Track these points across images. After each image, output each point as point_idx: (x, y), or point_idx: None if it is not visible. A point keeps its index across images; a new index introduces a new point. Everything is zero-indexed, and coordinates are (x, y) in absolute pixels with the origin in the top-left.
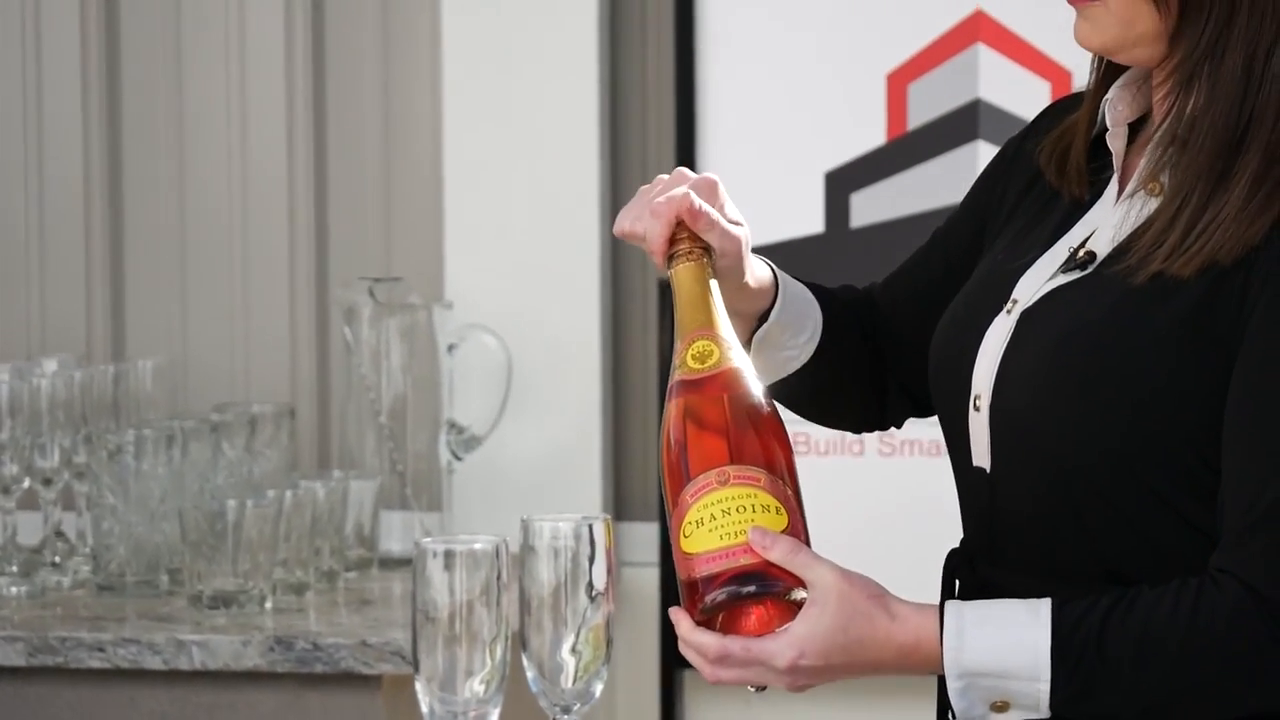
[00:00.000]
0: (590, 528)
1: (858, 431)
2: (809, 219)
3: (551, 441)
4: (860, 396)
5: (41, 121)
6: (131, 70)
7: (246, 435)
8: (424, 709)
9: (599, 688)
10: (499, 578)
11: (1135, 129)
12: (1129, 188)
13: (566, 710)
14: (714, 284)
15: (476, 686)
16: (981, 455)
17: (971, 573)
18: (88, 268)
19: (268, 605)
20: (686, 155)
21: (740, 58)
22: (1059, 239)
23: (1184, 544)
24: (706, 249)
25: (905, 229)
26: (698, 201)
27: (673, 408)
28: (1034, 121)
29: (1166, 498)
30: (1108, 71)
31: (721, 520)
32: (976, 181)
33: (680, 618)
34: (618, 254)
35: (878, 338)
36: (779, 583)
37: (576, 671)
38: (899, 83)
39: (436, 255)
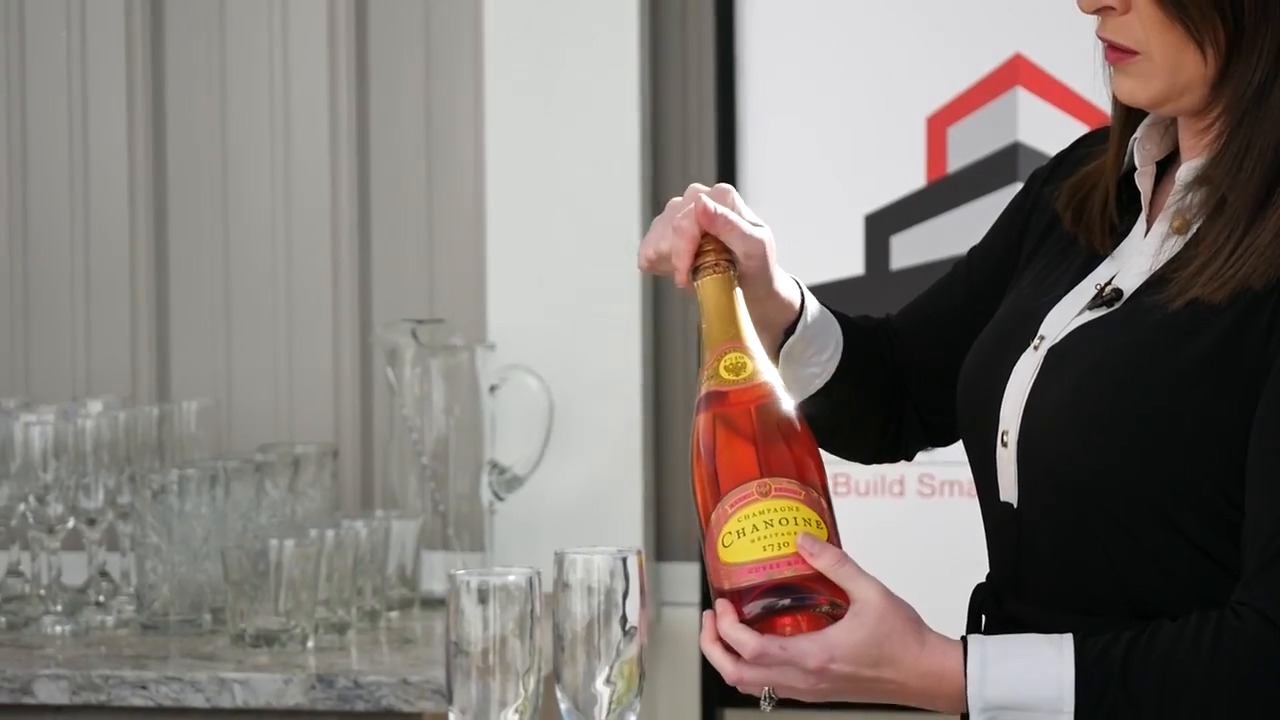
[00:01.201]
0: (624, 561)
1: (869, 462)
2: (849, 261)
3: (592, 482)
4: (876, 423)
5: (87, 164)
6: (176, 113)
7: (290, 475)
8: None
9: (633, 719)
10: (532, 610)
11: (1161, 166)
12: (1156, 225)
13: None
14: (740, 296)
15: (509, 718)
16: (1009, 490)
17: (997, 607)
18: (133, 310)
19: (310, 644)
20: None
21: (781, 102)
22: (1085, 275)
23: (1209, 579)
24: (732, 261)
25: (945, 270)
26: (714, 205)
27: (705, 418)
28: (1061, 154)
29: (1190, 533)
30: (1129, 113)
31: (765, 531)
32: (1002, 213)
33: (725, 611)
34: (658, 295)
35: (895, 363)
36: (815, 596)
37: (610, 704)
38: (939, 126)
39: (479, 297)
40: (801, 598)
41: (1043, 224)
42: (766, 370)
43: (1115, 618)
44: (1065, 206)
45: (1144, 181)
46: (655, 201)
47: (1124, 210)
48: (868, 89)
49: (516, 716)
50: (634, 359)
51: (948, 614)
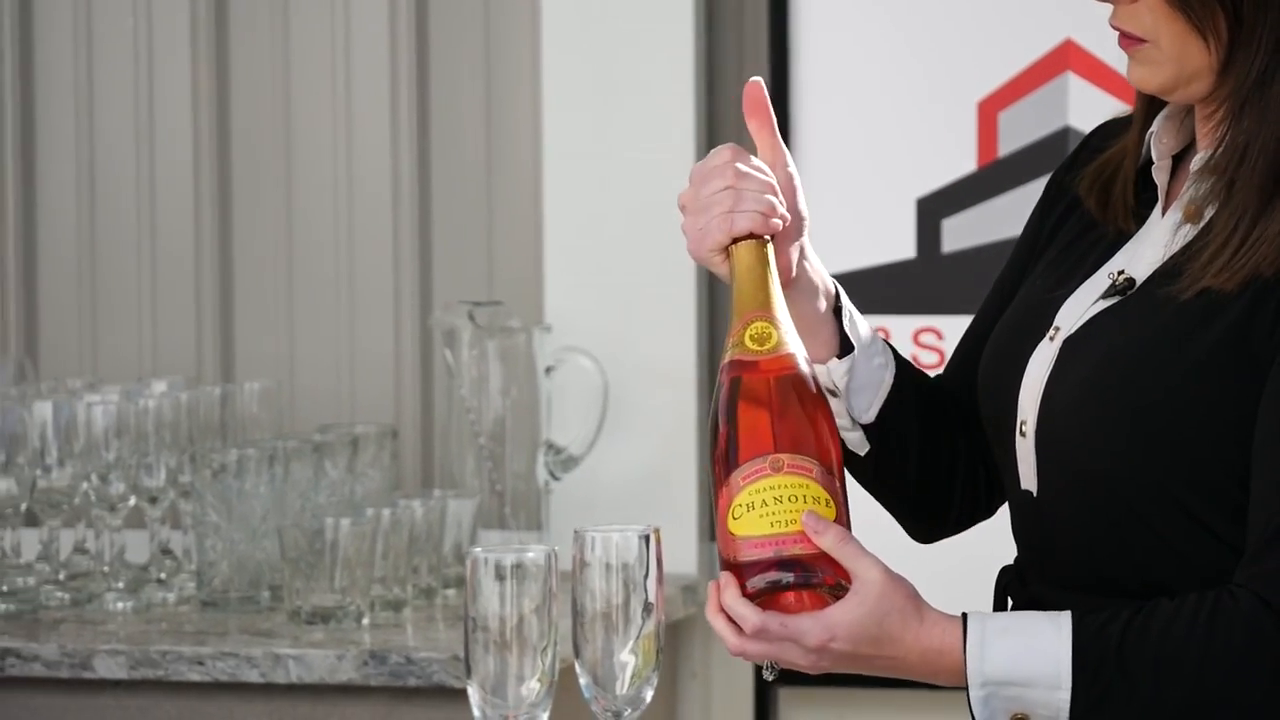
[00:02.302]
0: (642, 539)
1: (925, 537)
2: (901, 245)
3: (647, 461)
4: (921, 483)
5: (154, 151)
6: (240, 100)
7: (348, 455)
8: (475, 713)
9: (649, 693)
10: (549, 586)
11: (1177, 158)
12: (1168, 215)
13: (618, 715)
14: (773, 266)
15: (526, 691)
16: (1028, 478)
17: (1022, 588)
18: (198, 294)
19: (365, 621)
20: None
21: (834, 87)
22: (1100, 266)
23: (1220, 562)
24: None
25: (995, 254)
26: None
27: (726, 387)
28: (1075, 152)
29: (1202, 518)
30: (1152, 102)
31: (773, 507)
32: (1027, 222)
33: (728, 583)
34: (713, 278)
35: (948, 421)
36: (819, 574)
37: (628, 678)
38: (990, 110)
39: (537, 280)
40: (806, 575)
41: (1059, 211)
42: (792, 342)
43: (1135, 598)
44: (1089, 191)
45: (1160, 175)
46: None
47: (1141, 200)
48: (919, 74)
49: (532, 691)
50: (689, 341)
51: (975, 596)
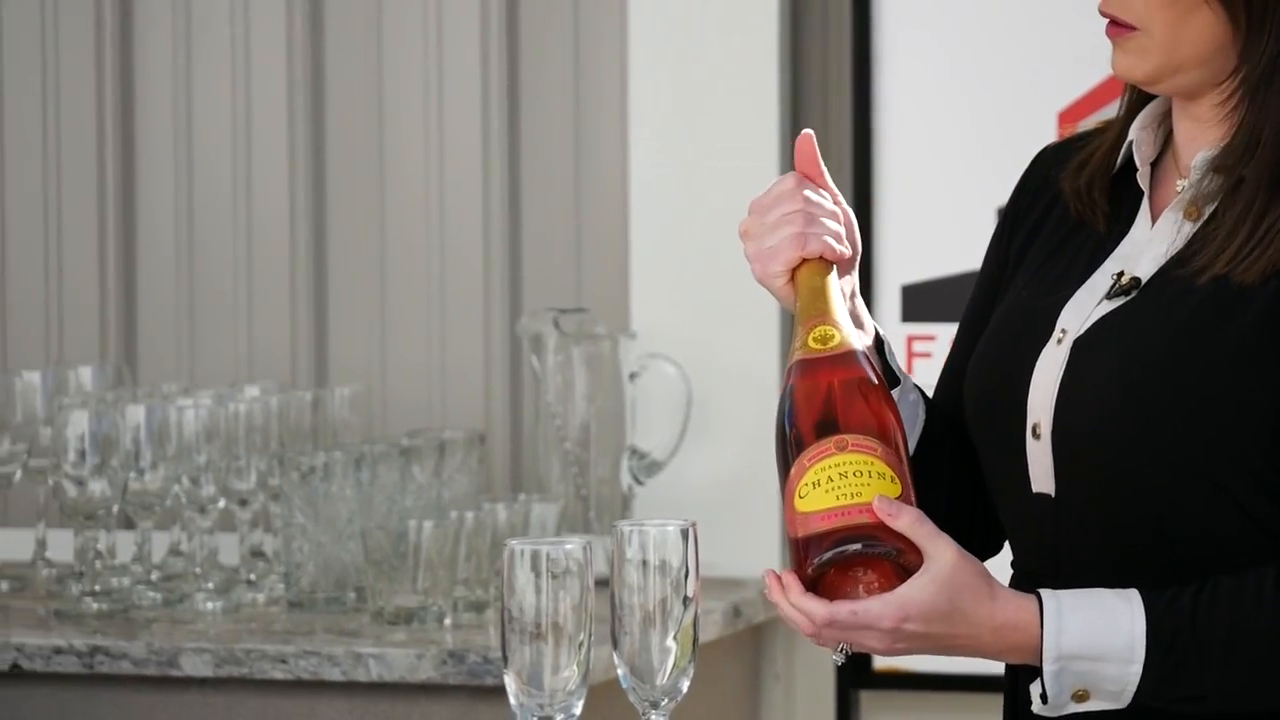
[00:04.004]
0: (680, 532)
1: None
2: (982, 254)
3: (730, 466)
4: (950, 515)
5: (250, 160)
6: (335, 110)
7: (435, 460)
8: (512, 702)
9: (686, 684)
10: (585, 578)
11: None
12: (1166, 214)
13: (655, 706)
14: (834, 282)
15: (561, 681)
16: (1043, 481)
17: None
18: (292, 300)
19: (447, 622)
20: (864, 191)
21: (916, 99)
22: (1094, 269)
23: (1260, 549)
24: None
25: None
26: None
27: (791, 385)
28: (1024, 175)
29: (1243, 504)
30: (1136, 104)
31: (839, 482)
32: (986, 254)
33: (790, 582)
34: None
35: (968, 452)
36: (884, 543)
37: (668, 670)
38: (1070, 121)
39: (623, 287)
40: (872, 544)
41: (1023, 233)
42: (853, 340)
43: (1163, 589)
44: (1074, 193)
45: (1144, 181)
46: None
47: (1113, 203)
48: (1001, 85)
49: (568, 681)
50: (771, 347)
51: None
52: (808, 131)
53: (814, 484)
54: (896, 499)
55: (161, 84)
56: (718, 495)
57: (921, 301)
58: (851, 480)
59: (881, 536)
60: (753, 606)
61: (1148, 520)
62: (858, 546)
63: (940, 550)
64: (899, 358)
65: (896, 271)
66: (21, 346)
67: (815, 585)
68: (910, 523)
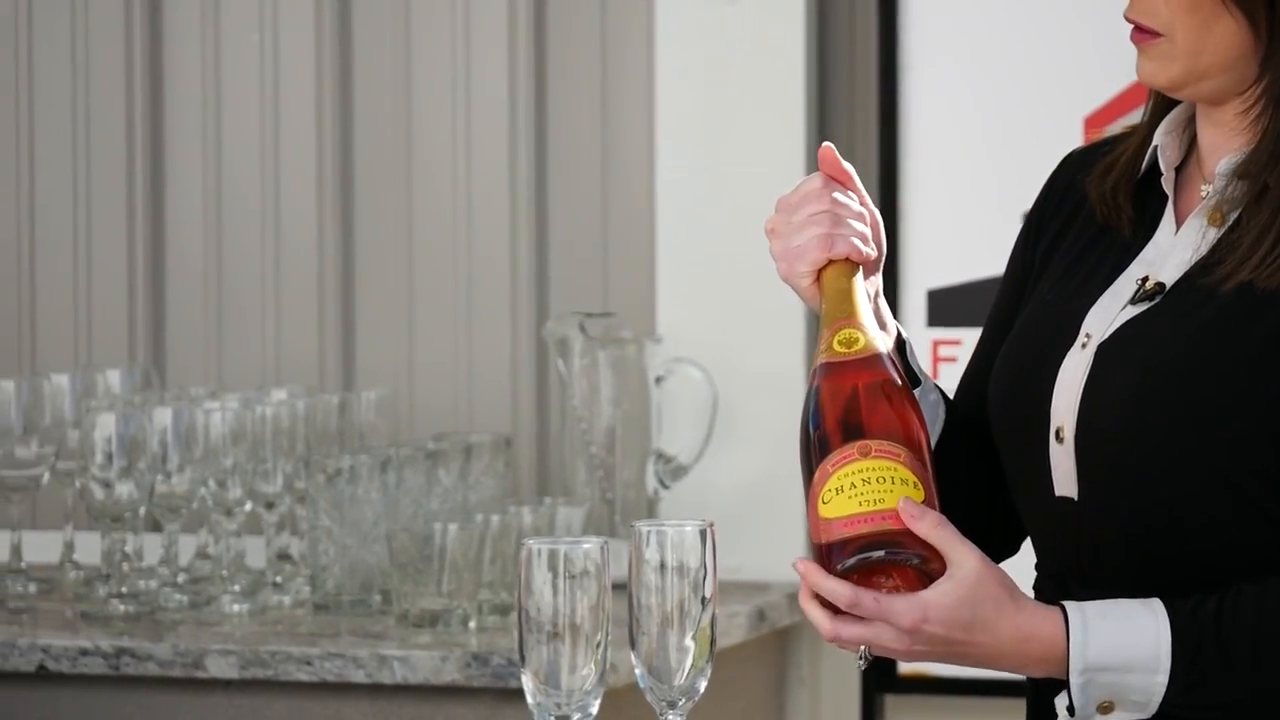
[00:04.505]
0: (698, 533)
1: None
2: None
3: (755, 471)
4: (967, 515)
5: (278, 163)
6: (362, 114)
7: (461, 463)
8: (529, 701)
9: (704, 684)
10: (602, 577)
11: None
12: (1190, 220)
13: (672, 705)
14: (860, 284)
15: (579, 680)
16: (1066, 484)
17: (1063, 594)
18: (320, 305)
19: (471, 624)
20: (889, 196)
21: (942, 102)
22: (1118, 274)
23: (1276, 550)
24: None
25: None
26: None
27: (816, 388)
28: (1049, 179)
29: (1265, 509)
30: (1160, 109)
31: (862, 488)
32: (1010, 259)
33: (812, 568)
34: None
35: (987, 454)
36: (908, 550)
37: (685, 670)
38: (1096, 126)
39: (649, 291)
40: (896, 551)
41: (1048, 237)
42: (879, 344)
43: (1186, 593)
44: (1099, 197)
45: (1168, 186)
46: None
47: (1138, 209)
48: (1027, 90)
49: (585, 680)
50: (797, 351)
51: None
52: (827, 145)
53: (838, 489)
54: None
55: (191, 87)
56: (743, 499)
57: (947, 306)
58: (875, 486)
59: (906, 543)
60: (777, 610)
61: (1170, 524)
62: (881, 553)
63: (964, 557)
64: (924, 362)
65: (922, 276)
66: (51, 350)
67: None
68: (931, 526)
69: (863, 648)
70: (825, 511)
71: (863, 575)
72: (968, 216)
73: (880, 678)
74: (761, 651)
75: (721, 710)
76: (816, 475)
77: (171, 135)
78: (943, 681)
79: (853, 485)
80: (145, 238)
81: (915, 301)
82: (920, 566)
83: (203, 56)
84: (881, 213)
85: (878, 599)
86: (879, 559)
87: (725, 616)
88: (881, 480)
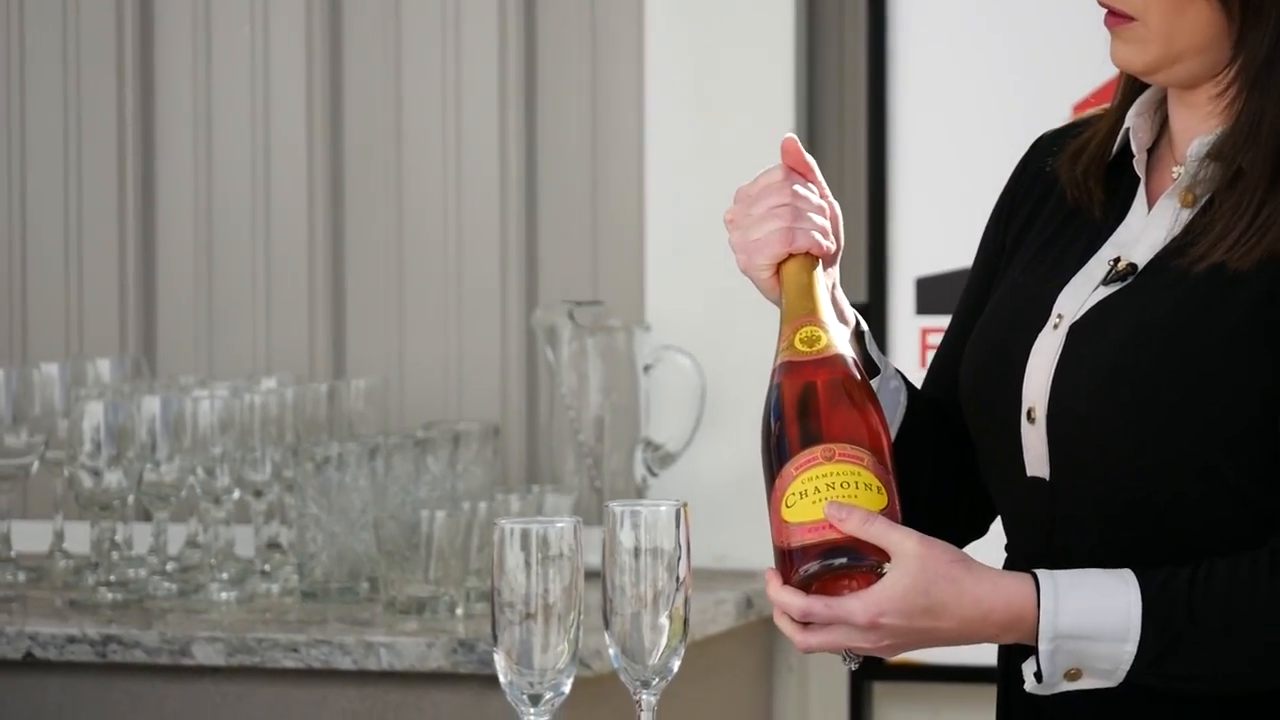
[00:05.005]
0: (672, 513)
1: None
2: None
3: (743, 459)
4: (931, 500)
5: (268, 153)
6: (353, 103)
7: (449, 451)
8: (502, 680)
9: (677, 664)
10: (574, 558)
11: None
12: (1162, 201)
13: (646, 685)
14: (820, 278)
15: (552, 659)
16: (1038, 465)
17: None
18: (310, 294)
19: (458, 611)
20: (879, 183)
21: (930, 90)
22: (1090, 256)
23: (1252, 531)
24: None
25: None
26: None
27: (777, 386)
28: (1020, 162)
29: (1236, 486)
30: (1131, 91)
31: (826, 494)
32: (981, 243)
33: (771, 577)
34: None
35: (953, 436)
36: (869, 557)
37: (658, 650)
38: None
39: (638, 280)
40: (857, 557)
41: (1020, 219)
42: (840, 343)
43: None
44: (1070, 180)
45: (1140, 168)
46: None
47: (1113, 189)
48: (1015, 77)
49: (557, 659)
50: None
51: None
52: (790, 135)
53: (801, 494)
54: (882, 510)
55: (181, 78)
56: (731, 487)
57: (936, 294)
58: (838, 492)
59: (866, 550)
60: (765, 597)
61: (1142, 504)
62: (843, 560)
63: (899, 543)
64: (912, 350)
65: (911, 264)
66: (41, 339)
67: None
68: (859, 524)
69: (843, 651)
70: (789, 515)
71: (826, 582)
72: (956, 205)
73: (867, 664)
74: (749, 638)
75: (709, 697)
76: (779, 477)
77: (162, 125)
78: (930, 669)
79: (815, 490)
80: (136, 227)
81: (904, 289)
82: (880, 570)
83: (194, 45)
84: (870, 201)
85: (829, 604)
86: (841, 565)
87: (713, 604)
88: (845, 485)
